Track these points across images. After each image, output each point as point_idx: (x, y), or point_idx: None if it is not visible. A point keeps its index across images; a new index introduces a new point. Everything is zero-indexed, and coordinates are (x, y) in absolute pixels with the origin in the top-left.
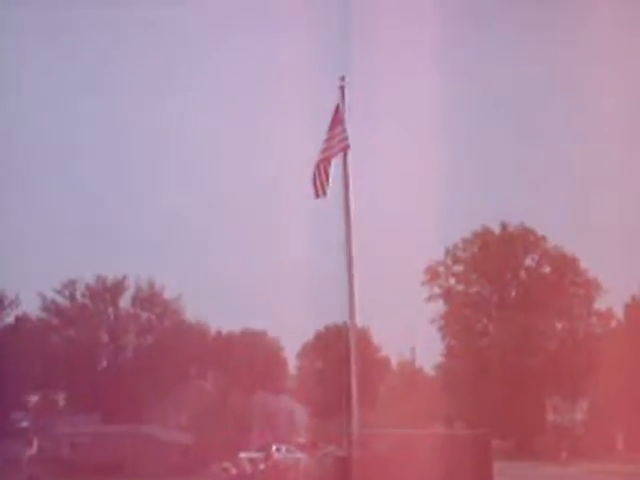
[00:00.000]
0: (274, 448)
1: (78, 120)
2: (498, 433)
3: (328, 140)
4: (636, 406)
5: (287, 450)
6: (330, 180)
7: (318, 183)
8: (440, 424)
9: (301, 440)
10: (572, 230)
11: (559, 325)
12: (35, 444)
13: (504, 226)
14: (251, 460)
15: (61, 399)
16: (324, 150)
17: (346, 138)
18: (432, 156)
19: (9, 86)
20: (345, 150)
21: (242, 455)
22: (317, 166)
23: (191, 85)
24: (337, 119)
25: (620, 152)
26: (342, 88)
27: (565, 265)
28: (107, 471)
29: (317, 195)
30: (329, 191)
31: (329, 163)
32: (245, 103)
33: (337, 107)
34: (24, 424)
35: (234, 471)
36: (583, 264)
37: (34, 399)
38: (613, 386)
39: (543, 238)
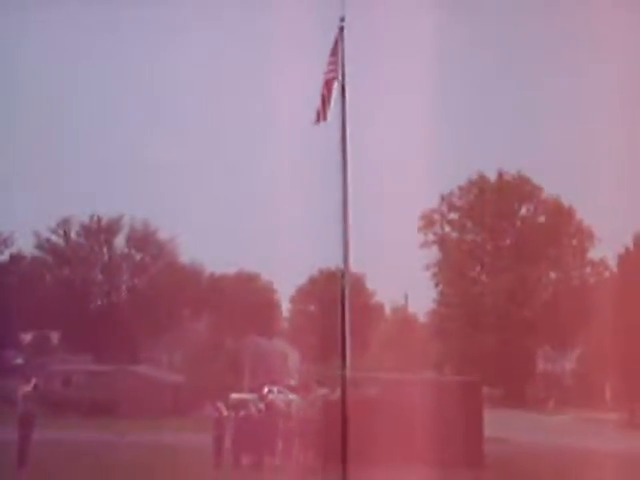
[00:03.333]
0: (266, 390)
1: (77, 60)
2: (488, 381)
3: (325, 72)
4: (626, 356)
5: (279, 392)
6: (330, 108)
7: (319, 109)
8: (431, 370)
9: (293, 383)
10: (567, 180)
11: (553, 274)
12: (32, 382)
13: (500, 174)
14: (243, 401)
15: (55, 338)
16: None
17: (334, 70)
18: (430, 102)
19: (12, 21)
20: (332, 80)
21: (234, 396)
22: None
23: (190, 24)
24: (333, 51)
25: (618, 102)
26: (341, 29)
27: (560, 215)
28: (100, 409)
29: (317, 119)
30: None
31: (328, 91)
32: (243, 41)
33: (335, 40)
34: (18, 362)
35: (226, 412)
36: (578, 214)
37: (28, 337)
38: (604, 336)
39: (539, 187)
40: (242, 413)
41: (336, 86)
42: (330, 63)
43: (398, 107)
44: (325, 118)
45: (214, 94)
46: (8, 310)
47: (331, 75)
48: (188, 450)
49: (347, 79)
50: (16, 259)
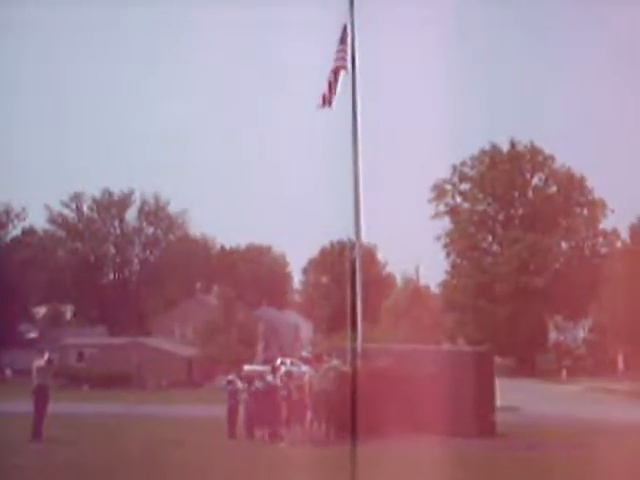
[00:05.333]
0: (279, 362)
1: (90, 34)
2: (500, 351)
3: (335, 59)
4: (638, 326)
5: (292, 364)
6: (337, 94)
7: (326, 93)
8: (443, 341)
9: (305, 354)
10: (580, 150)
11: (564, 245)
12: (46, 355)
13: (513, 144)
14: (256, 373)
15: (68, 311)
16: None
17: (343, 58)
18: (441, 73)
19: None
20: (339, 69)
21: (247, 368)
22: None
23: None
24: (342, 37)
25: (631, 70)
26: (352, 2)
27: (572, 185)
28: (113, 382)
29: (323, 103)
30: (337, 108)
31: (334, 78)
32: (254, 20)
33: (344, 27)
34: (32, 335)
35: (239, 384)
36: (590, 184)
37: (41, 311)
38: (616, 306)
39: (551, 157)
40: (255, 385)
41: (343, 74)
42: (339, 51)
43: (410, 78)
44: (330, 104)
45: (226, 70)
46: (21, 284)
47: (339, 63)
48: (201, 422)
49: (359, 51)
50: (29, 233)
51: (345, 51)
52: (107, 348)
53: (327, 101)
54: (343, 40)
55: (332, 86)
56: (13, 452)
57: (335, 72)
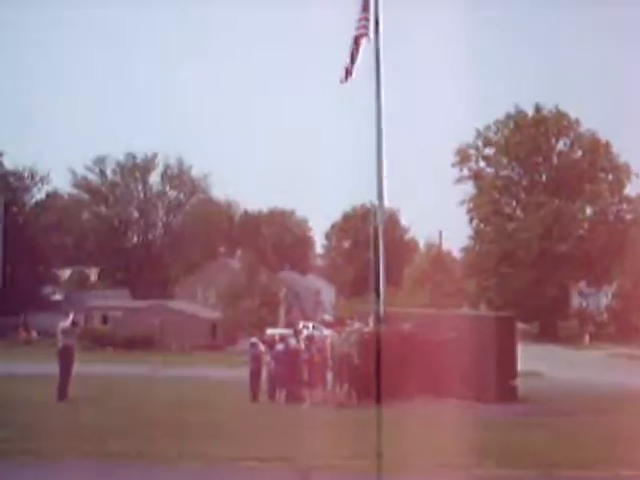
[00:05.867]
0: (301, 325)
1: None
2: (523, 317)
3: (356, 27)
4: None
5: (314, 327)
6: (358, 62)
7: (347, 64)
8: (465, 306)
9: (327, 318)
10: (605, 114)
11: (589, 210)
12: (71, 316)
13: (538, 109)
14: (279, 336)
15: (92, 274)
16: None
17: (365, 26)
18: (465, 37)
19: None
20: (361, 37)
21: (269, 332)
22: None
23: None
24: (364, 5)
25: None
26: None
27: (597, 150)
28: (137, 344)
29: (346, 77)
30: (360, 73)
31: (356, 47)
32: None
33: None
34: (57, 298)
35: (262, 346)
36: (615, 149)
37: (66, 274)
38: None
39: (576, 121)
40: (278, 347)
41: (365, 42)
42: (360, 19)
43: (433, 42)
44: (351, 74)
45: (250, 34)
46: (46, 247)
47: (361, 31)
48: (224, 384)
49: (381, 18)
50: (53, 197)
51: (367, 19)
52: (131, 311)
53: (349, 72)
54: (365, 8)
55: (354, 55)
56: (40, 412)
57: (357, 41)
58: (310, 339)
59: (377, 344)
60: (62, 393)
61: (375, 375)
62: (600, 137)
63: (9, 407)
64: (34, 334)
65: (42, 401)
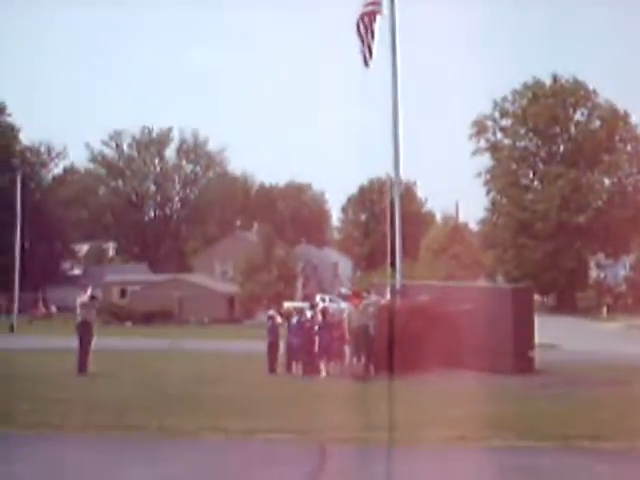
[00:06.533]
0: (318, 298)
1: None
2: (540, 288)
3: (366, 3)
4: None
5: (331, 301)
6: (376, 38)
7: (364, 48)
8: (483, 279)
9: (344, 291)
10: (623, 84)
11: (607, 181)
12: (89, 291)
13: (555, 79)
14: (296, 309)
15: (110, 249)
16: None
17: (377, 2)
18: (482, 9)
19: None
20: (374, 13)
21: (286, 305)
22: (357, 25)
23: None
24: None
25: None
26: None
27: (615, 120)
28: (156, 317)
29: (365, 63)
30: (377, 46)
31: (370, 24)
32: None
33: None
34: (76, 272)
35: (279, 319)
36: (633, 119)
37: (84, 249)
38: None
39: (594, 92)
40: (295, 320)
41: (379, 19)
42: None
43: (450, 14)
44: (371, 53)
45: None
46: (64, 222)
47: (375, 8)
48: (242, 357)
49: None
50: (70, 172)
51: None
52: (149, 285)
53: (370, 51)
54: None
55: (367, 34)
56: (60, 386)
57: (370, 17)
58: (328, 311)
59: (391, 317)
60: (82, 367)
61: (388, 348)
62: (618, 107)
63: (30, 381)
64: (53, 309)
65: (62, 375)
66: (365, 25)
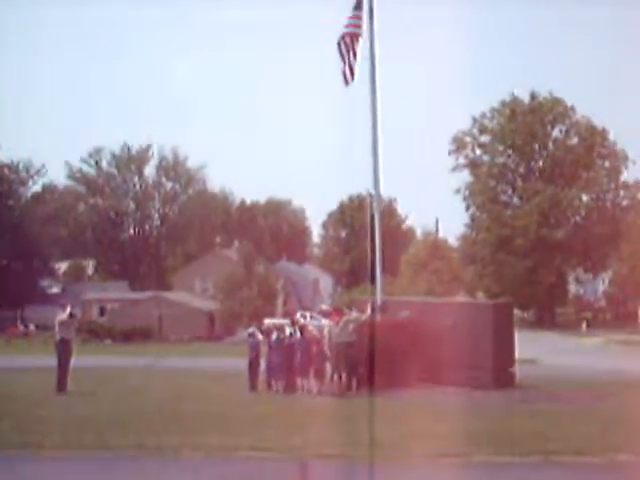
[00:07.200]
0: (298, 315)
1: None
2: (520, 304)
3: (346, 25)
4: None
5: (311, 317)
6: (358, 59)
7: (345, 67)
8: (462, 294)
9: (325, 307)
10: (601, 101)
11: (585, 197)
12: (68, 309)
13: (533, 96)
14: (277, 326)
15: (89, 266)
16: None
17: (359, 25)
18: (460, 24)
19: None
20: (356, 36)
21: (267, 322)
22: (338, 44)
23: None
24: (358, 3)
25: None
26: None
27: (593, 136)
28: (135, 335)
29: (346, 82)
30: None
31: (352, 46)
32: None
33: None
34: (54, 290)
35: (260, 336)
36: (611, 135)
37: (63, 266)
38: (636, 259)
39: (572, 108)
40: (275, 337)
41: (361, 41)
42: (352, 18)
43: (428, 30)
44: (353, 75)
45: (245, 25)
46: (43, 240)
47: (356, 30)
48: (222, 374)
49: (376, 11)
50: (49, 189)
51: (360, 17)
52: (128, 302)
53: (351, 71)
54: (358, 6)
55: (350, 52)
56: (38, 404)
57: (351, 37)
58: (308, 328)
59: (371, 334)
60: (61, 385)
61: (369, 364)
62: (596, 123)
63: (8, 400)
64: (32, 327)
65: (41, 394)
66: (347, 44)
